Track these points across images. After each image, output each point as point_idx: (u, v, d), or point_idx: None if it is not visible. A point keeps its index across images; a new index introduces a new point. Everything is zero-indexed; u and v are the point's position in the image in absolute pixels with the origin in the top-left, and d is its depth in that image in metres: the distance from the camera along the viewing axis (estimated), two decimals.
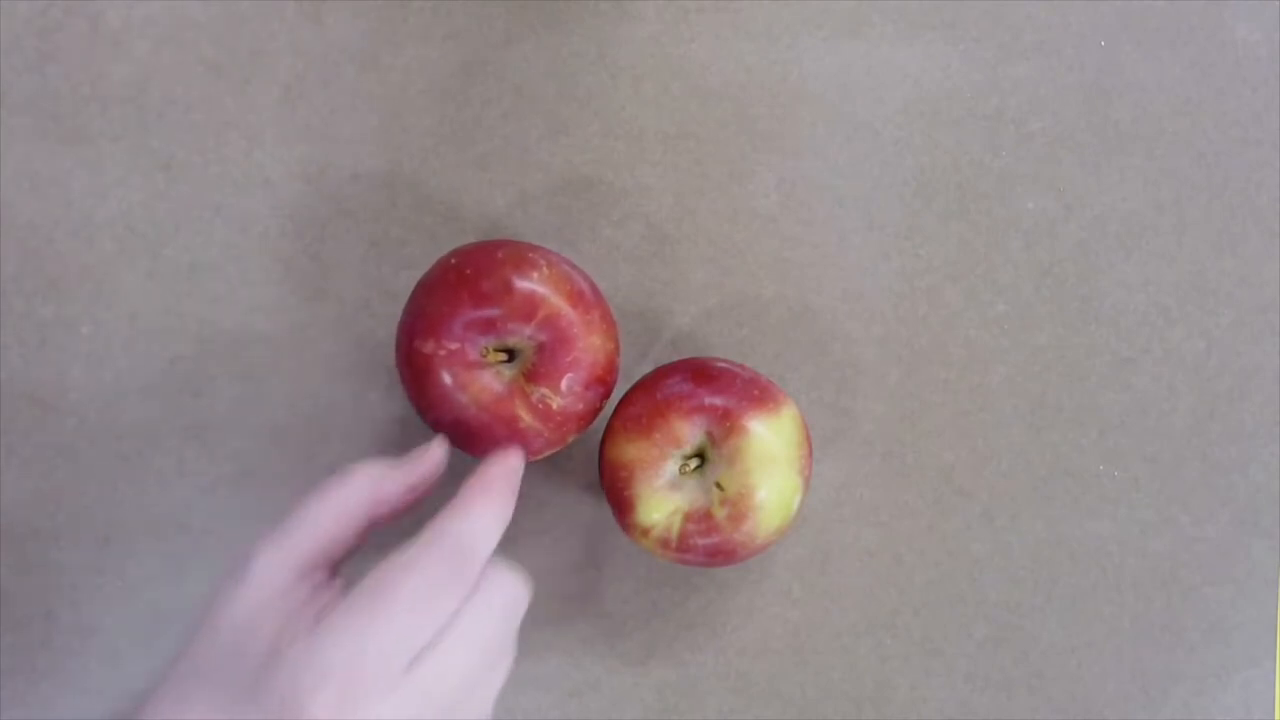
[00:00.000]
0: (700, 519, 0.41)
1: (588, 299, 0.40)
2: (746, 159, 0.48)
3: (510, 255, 0.39)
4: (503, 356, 0.39)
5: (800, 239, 0.48)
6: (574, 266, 0.41)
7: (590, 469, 0.47)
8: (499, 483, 0.36)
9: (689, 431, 0.41)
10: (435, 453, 0.38)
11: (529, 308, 0.38)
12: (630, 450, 0.41)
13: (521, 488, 0.47)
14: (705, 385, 0.42)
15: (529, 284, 0.39)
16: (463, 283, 0.39)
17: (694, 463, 0.41)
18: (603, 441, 0.43)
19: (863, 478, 0.48)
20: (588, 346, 0.39)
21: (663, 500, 0.41)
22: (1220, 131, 0.49)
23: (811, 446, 0.44)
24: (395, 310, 0.47)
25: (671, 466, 0.41)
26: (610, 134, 0.48)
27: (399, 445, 0.47)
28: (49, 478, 0.47)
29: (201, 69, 0.47)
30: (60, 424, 0.47)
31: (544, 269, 0.39)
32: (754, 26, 0.48)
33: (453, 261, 0.40)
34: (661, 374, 0.43)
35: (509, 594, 0.34)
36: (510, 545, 0.48)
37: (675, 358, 0.46)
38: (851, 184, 0.49)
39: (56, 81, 0.47)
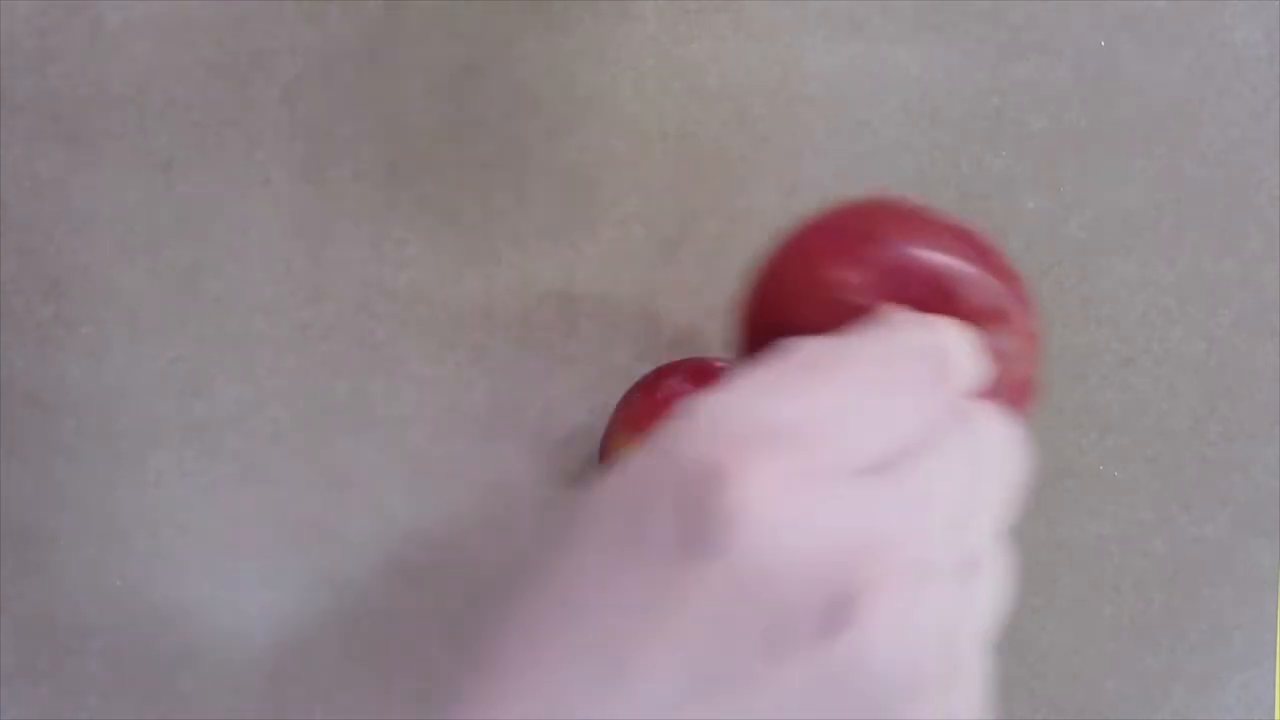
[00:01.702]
0: None
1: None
2: (746, 159, 0.48)
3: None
4: None
5: None
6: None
7: (590, 469, 0.47)
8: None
9: None
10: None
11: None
12: (631, 450, 0.41)
13: (522, 487, 0.48)
14: (705, 385, 0.41)
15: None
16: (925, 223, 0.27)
17: None
18: (603, 442, 0.43)
19: None
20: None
21: None
22: (1220, 131, 0.49)
23: None
24: (395, 310, 0.47)
25: None
26: (610, 134, 0.48)
27: (401, 445, 0.47)
28: (49, 478, 0.47)
29: (201, 69, 0.47)
30: (60, 424, 0.47)
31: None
32: (754, 26, 0.48)
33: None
34: (661, 374, 0.43)
35: (999, 430, 0.22)
36: (511, 545, 0.48)
37: (675, 358, 0.46)
38: (851, 184, 0.48)
39: (56, 81, 0.47)
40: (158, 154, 0.47)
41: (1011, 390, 0.25)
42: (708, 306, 0.48)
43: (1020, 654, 0.48)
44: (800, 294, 0.26)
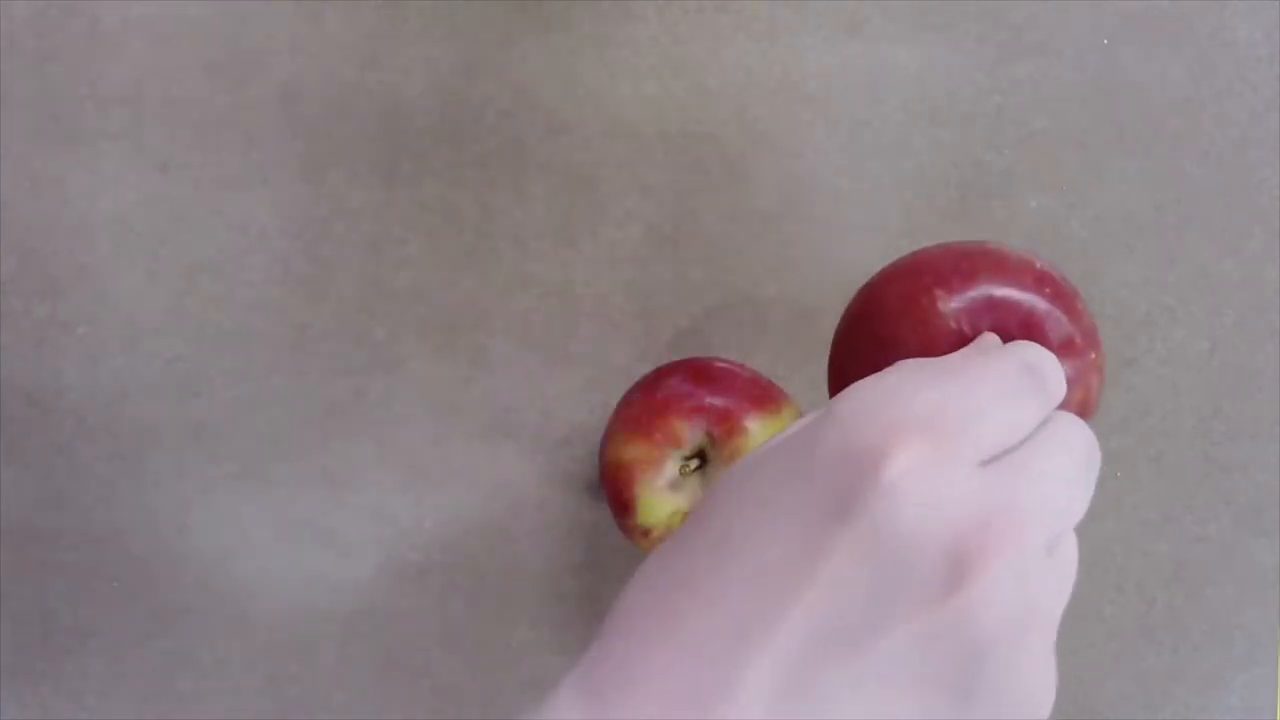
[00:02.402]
0: None
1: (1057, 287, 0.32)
2: (746, 159, 0.48)
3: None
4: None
5: (800, 239, 0.48)
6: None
7: (590, 469, 0.47)
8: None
9: (689, 432, 0.41)
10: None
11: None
12: (630, 451, 0.41)
13: (522, 487, 0.48)
14: (705, 385, 0.42)
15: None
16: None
17: (694, 463, 0.41)
18: (603, 442, 0.43)
19: None
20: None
21: (663, 501, 0.41)
22: (1220, 131, 0.49)
23: None
24: (395, 310, 0.47)
25: (672, 467, 0.41)
26: (610, 134, 0.48)
27: (401, 445, 0.47)
28: (49, 478, 0.47)
29: (200, 69, 0.47)
30: (59, 424, 0.47)
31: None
32: (754, 26, 0.48)
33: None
34: (661, 374, 0.43)
35: (1087, 438, 0.26)
36: (511, 545, 0.48)
37: (675, 358, 0.46)
38: (851, 184, 0.48)
39: (55, 81, 0.47)
40: (156, 154, 0.47)
41: (1075, 409, 0.30)
42: (708, 306, 0.48)
43: None
44: (909, 317, 0.30)
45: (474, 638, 0.48)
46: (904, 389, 0.25)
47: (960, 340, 0.29)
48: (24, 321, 0.47)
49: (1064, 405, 0.29)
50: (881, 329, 0.31)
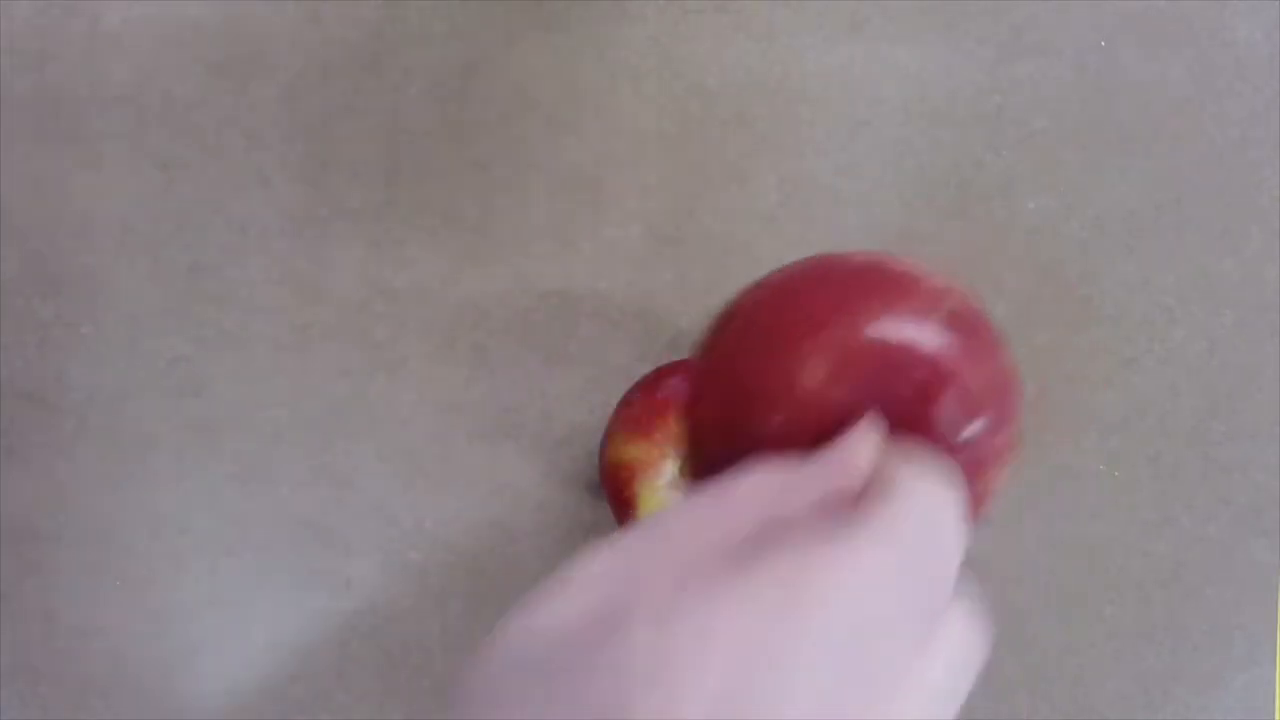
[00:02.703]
0: None
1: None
2: (746, 159, 0.48)
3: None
4: None
5: (800, 239, 0.48)
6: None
7: (590, 469, 0.47)
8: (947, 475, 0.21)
9: None
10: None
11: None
12: (630, 450, 0.41)
13: (522, 487, 0.48)
14: None
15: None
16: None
17: None
18: (603, 442, 0.43)
19: None
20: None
21: (663, 500, 0.41)
22: (1220, 131, 0.49)
23: None
24: (395, 310, 0.47)
25: (672, 467, 0.41)
26: (610, 134, 0.48)
27: (401, 445, 0.47)
28: (49, 478, 0.47)
29: (201, 69, 0.47)
30: (60, 424, 0.47)
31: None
32: (754, 26, 0.48)
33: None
34: (662, 374, 0.43)
35: (971, 657, 0.20)
36: (511, 545, 0.48)
37: (675, 358, 0.46)
38: (851, 184, 0.48)
39: (56, 81, 0.47)
40: (157, 154, 0.47)
41: (975, 494, 0.23)
42: (708, 307, 0.48)
43: (1020, 654, 0.48)
44: (766, 387, 0.22)
45: (474, 638, 0.48)
46: (657, 645, 0.17)
47: (834, 417, 0.22)
48: (26, 321, 0.47)
49: (969, 486, 0.23)
50: (733, 397, 0.23)
